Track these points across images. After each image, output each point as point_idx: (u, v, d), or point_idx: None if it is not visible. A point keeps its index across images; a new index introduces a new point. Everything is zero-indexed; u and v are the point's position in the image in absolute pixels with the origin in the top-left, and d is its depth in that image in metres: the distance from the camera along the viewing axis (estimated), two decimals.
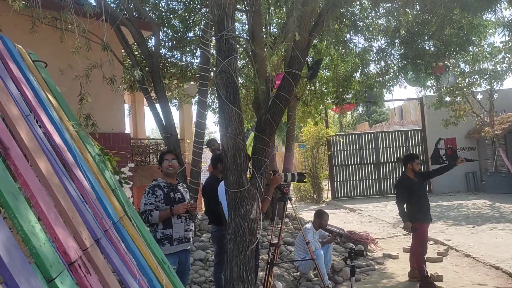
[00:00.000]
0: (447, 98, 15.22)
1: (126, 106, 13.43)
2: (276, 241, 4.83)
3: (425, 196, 5.92)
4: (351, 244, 7.53)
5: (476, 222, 9.90)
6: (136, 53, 7.75)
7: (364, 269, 6.55)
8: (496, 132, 14.87)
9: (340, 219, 11.87)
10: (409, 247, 6.12)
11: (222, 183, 4.00)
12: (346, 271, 6.03)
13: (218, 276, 4.84)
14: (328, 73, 10.28)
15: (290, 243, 7.06)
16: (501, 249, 7.15)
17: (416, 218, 5.71)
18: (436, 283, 5.57)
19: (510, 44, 12.20)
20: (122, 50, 7.73)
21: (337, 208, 14.83)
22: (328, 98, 10.18)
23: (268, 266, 4.72)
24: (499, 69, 13.47)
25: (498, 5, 4.04)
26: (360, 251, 6.23)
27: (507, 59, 12.94)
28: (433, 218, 10.31)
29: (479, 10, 3.96)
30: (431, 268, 6.09)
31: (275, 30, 9.39)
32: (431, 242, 7.92)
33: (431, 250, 7.21)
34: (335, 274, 6.16)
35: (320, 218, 5.97)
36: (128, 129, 12.34)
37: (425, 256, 5.86)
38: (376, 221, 11.38)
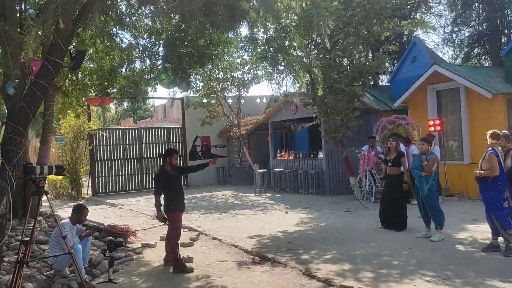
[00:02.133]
0: (204, 100, 16.90)
1: None
2: (28, 239, 4.52)
3: (180, 188, 6.57)
4: (111, 237, 7.58)
5: (223, 210, 11.41)
6: None
7: (123, 259, 6.75)
8: (242, 133, 17.39)
9: (101, 214, 11.67)
10: (166, 235, 6.66)
11: None
12: (105, 264, 6.09)
13: None
14: (92, 65, 9.96)
15: (44, 241, 6.61)
16: (240, 231, 8.53)
17: (171, 207, 6.29)
18: (187, 264, 6.26)
19: (254, 59, 14.52)
20: None
21: (97, 204, 14.44)
22: (92, 90, 9.87)
23: (18, 266, 4.38)
24: (246, 78, 15.86)
25: (240, 27, 5.00)
26: (119, 242, 6.40)
27: (252, 70, 15.31)
28: (188, 208, 11.37)
29: (225, 29, 4.77)
30: (183, 252, 6.78)
31: (31, 10, 8.51)
32: (185, 229, 8.74)
33: (185, 236, 7.99)
34: (93, 268, 6.14)
35: (79, 213, 5.84)
36: None
37: (179, 242, 6.51)
38: (137, 214, 11.69)
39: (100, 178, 16.96)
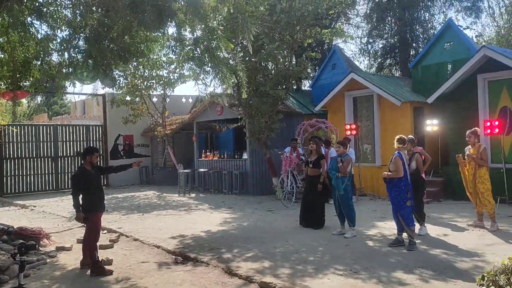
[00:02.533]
0: (128, 98, 16.37)
1: None
2: None
3: (100, 188, 6.36)
4: (21, 240, 7.09)
5: (146, 211, 11.16)
6: None
7: (35, 264, 6.36)
8: (166, 132, 17.11)
9: (9, 216, 10.83)
10: (83, 238, 6.39)
11: None
12: (14, 269, 5.71)
13: None
14: (3, 55, 9.21)
15: None
16: (163, 231, 8.43)
17: (90, 208, 6.07)
18: (106, 266, 6.08)
19: (180, 59, 14.37)
20: None
21: (5, 206, 13.36)
22: (2, 83, 9.13)
23: None
24: (172, 77, 15.64)
25: (166, 27, 4.97)
26: (31, 245, 6.03)
27: (178, 69, 15.13)
28: (109, 209, 10.98)
29: (152, 29, 4.72)
30: (102, 254, 6.56)
31: None
32: (104, 231, 8.45)
33: (104, 238, 7.72)
34: (1, 274, 5.72)
35: None
36: None
37: (98, 244, 6.29)
38: (51, 216, 11.02)
39: (10, 177, 15.70)
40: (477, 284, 3.36)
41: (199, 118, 16.09)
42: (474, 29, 34.80)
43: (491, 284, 3.18)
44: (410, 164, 7.20)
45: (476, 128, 8.02)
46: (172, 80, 15.51)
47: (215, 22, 5.38)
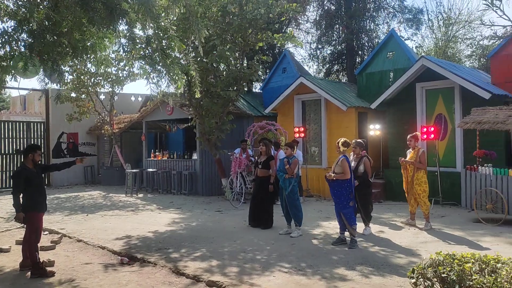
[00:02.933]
0: (73, 94, 15.79)
1: None
2: None
3: (42, 187, 6.15)
4: None
5: (90, 211, 10.84)
6: None
7: None
8: (114, 131, 16.68)
9: None
10: (23, 238, 6.15)
11: None
12: None
13: None
14: None
15: None
16: (109, 232, 8.26)
17: (31, 207, 5.86)
18: (48, 268, 5.88)
19: (130, 56, 14.08)
20: None
21: None
22: None
23: None
24: (121, 75, 15.27)
25: (117, 26, 4.91)
26: None
27: (127, 67, 14.81)
28: (51, 209, 10.57)
29: (103, 26, 4.64)
30: (44, 256, 6.34)
31: None
32: (46, 232, 8.14)
33: (45, 240, 7.45)
34: None
35: None
36: None
37: (39, 245, 6.08)
38: None
39: None
40: (408, 277, 3.65)
41: (148, 117, 15.84)
42: (414, 40, 37.00)
43: (420, 276, 3.47)
44: (359, 167, 7.57)
45: (417, 132, 8.56)
46: (121, 78, 15.15)
47: (167, 21, 5.37)
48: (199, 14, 7.75)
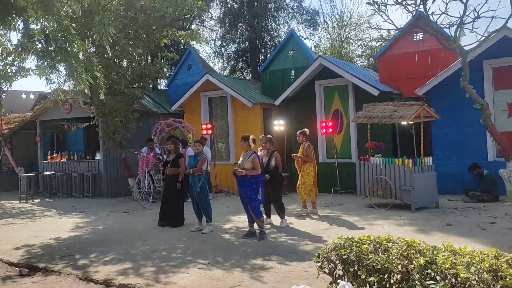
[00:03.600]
0: None
1: None
2: None
3: None
4: None
5: None
6: None
7: None
8: (3, 132, 15.17)
9: None
10: None
11: None
12: None
13: None
14: None
15: None
16: (3, 242, 7.59)
17: None
18: None
19: (19, 49, 12.89)
20: None
21: None
22: None
23: None
24: (9, 70, 13.88)
25: (15, 22, 4.52)
26: None
27: (16, 62, 13.53)
28: None
29: None
30: None
31: None
32: None
33: None
34: None
35: None
36: None
37: None
38: None
39: None
40: (314, 261, 4.00)
41: (43, 117, 14.70)
42: (312, 40, 39.12)
43: (324, 260, 3.83)
44: (270, 161, 7.93)
45: (305, 129, 9.23)
46: (10, 74, 13.79)
47: (67, 19, 5.06)
48: (101, 6, 7.43)
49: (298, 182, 8.90)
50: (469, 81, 9.13)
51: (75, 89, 9.71)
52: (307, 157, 8.73)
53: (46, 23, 4.77)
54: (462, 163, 10.29)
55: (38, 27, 5.36)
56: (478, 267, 3.12)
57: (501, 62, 10.27)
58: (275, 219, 8.20)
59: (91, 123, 12.85)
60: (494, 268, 3.11)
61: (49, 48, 4.94)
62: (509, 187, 8.94)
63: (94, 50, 10.40)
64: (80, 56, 5.60)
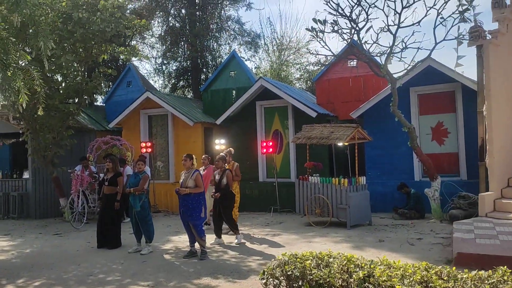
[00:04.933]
0: None
1: None
2: None
3: None
4: None
5: None
6: None
7: None
8: None
9: None
10: None
11: None
12: None
13: None
14: None
15: None
16: None
17: None
18: None
19: None
20: None
21: None
22: None
23: None
24: None
25: None
26: None
27: None
28: None
29: None
30: None
31: None
32: None
33: None
34: None
35: None
36: None
37: None
38: None
39: None
40: (260, 279, 4.06)
41: None
42: (253, 61, 40.00)
43: (270, 276, 3.90)
44: (222, 179, 7.94)
45: (230, 148, 9.43)
46: None
47: (5, 31, 4.79)
48: (37, 17, 7.11)
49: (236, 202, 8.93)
50: (397, 106, 9.83)
51: (4, 103, 9.14)
52: (236, 176, 8.86)
53: None
54: (392, 182, 10.95)
55: None
56: (411, 279, 3.36)
57: (425, 90, 11.18)
58: (226, 238, 8.19)
59: (20, 139, 12.07)
60: (425, 279, 3.36)
61: None
62: (434, 205, 9.66)
63: (27, 63, 9.87)
64: (17, 68, 5.31)
